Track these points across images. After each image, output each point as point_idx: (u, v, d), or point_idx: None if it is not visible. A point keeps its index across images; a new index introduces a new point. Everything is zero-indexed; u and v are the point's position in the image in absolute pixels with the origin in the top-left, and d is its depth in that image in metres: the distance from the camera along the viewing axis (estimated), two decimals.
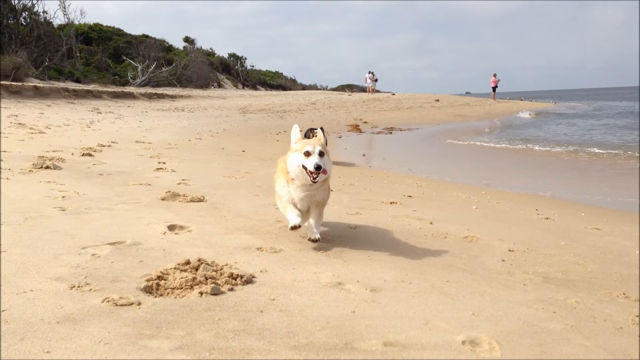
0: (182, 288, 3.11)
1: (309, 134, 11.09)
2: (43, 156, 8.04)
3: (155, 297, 3.00)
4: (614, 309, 3.33)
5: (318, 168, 3.93)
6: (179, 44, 59.74)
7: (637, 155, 13.31)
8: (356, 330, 2.73)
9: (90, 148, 9.91)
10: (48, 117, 17.53)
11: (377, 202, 6.66)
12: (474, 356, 2.56)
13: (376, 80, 53.46)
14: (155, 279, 3.17)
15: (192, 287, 3.13)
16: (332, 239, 4.54)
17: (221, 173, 8.27)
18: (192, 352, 2.39)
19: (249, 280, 3.33)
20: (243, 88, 59.02)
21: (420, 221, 5.55)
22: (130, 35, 51.17)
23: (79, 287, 3.02)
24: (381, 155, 13.87)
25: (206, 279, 3.23)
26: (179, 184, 6.92)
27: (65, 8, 43.04)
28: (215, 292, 3.07)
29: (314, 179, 3.98)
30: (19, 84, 25.08)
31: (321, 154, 4.03)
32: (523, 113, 35.50)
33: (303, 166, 4.01)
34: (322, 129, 11.02)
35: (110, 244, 3.90)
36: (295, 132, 4.33)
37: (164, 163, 8.87)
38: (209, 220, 4.93)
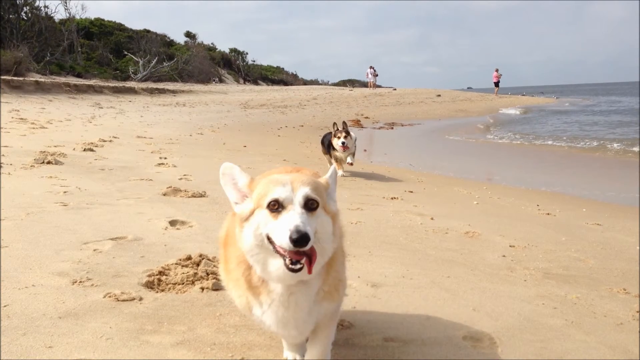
0: (183, 283, 3.12)
1: (327, 137, 8.98)
2: (44, 151, 8.04)
3: (157, 292, 3.01)
4: (615, 304, 3.33)
5: (303, 239, 1.82)
6: (180, 39, 59.60)
7: (637, 150, 13.28)
8: (357, 325, 2.74)
9: (92, 143, 9.91)
10: (49, 112, 17.53)
11: (379, 197, 6.66)
12: (475, 352, 2.56)
13: (377, 75, 53.34)
14: (157, 275, 3.18)
15: (193, 283, 3.14)
16: None
17: None
18: (194, 347, 2.40)
19: None
20: (244, 83, 58.91)
21: (421, 217, 5.55)
22: (131, 30, 51.02)
23: (80, 282, 3.03)
24: (383, 150, 13.86)
25: (207, 274, 3.24)
26: (180, 179, 6.93)
27: (66, 3, 42.99)
28: (217, 288, 3.08)
29: (293, 264, 1.89)
30: (20, 78, 25.07)
31: (309, 204, 1.96)
32: (512, 109, 34.92)
33: (269, 239, 1.95)
34: (344, 124, 8.58)
35: (111, 239, 3.91)
36: (234, 177, 2.14)
37: (165, 158, 8.87)
38: (210, 215, 4.93)
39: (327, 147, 8.97)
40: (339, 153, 8.59)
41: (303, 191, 1.95)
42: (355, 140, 8.86)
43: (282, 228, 1.86)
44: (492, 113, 31.36)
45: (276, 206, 1.92)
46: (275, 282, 2.03)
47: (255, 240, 1.97)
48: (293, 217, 1.86)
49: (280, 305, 2.06)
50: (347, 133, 8.50)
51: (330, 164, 9.11)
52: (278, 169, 2.41)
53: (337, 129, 8.61)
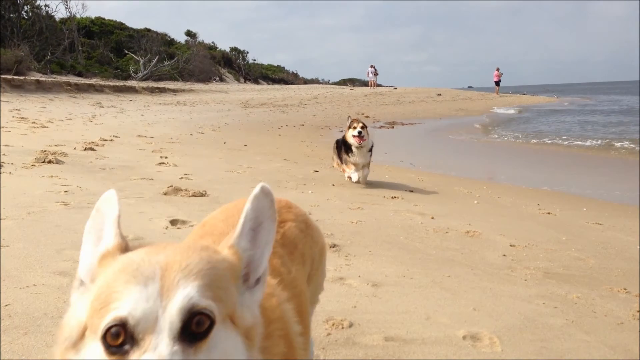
0: None
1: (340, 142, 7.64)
2: (45, 150, 8.05)
3: None
4: (615, 304, 3.33)
5: None
6: (181, 38, 59.58)
7: (637, 149, 13.27)
8: (357, 325, 2.75)
9: (93, 142, 9.92)
10: (50, 111, 17.53)
11: (379, 196, 6.67)
12: (475, 351, 2.57)
13: (377, 74, 53.32)
14: None
15: None
16: (333, 233, 4.55)
17: (223, 167, 8.27)
18: None
19: None
20: (245, 82, 58.89)
21: (421, 216, 5.55)
22: (132, 29, 51.02)
23: None
24: (383, 149, 13.86)
25: None
26: (181, 178, 6.93)
27: (67, 2, 43.05)
28: None
29: None
30: (21, 77, 25.07)
31: (193, 326, 0.89)
32: (509, 109, 34.66)
33: None
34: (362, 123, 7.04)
35: None
36: (103, 224, 1.19)
37: (166, 157, 8.88)
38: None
39: (340, 146, 7.76)
40: (352, 157, 7.44)
41: (182, 297, 0.91)
42: (371, 150, 7.70)
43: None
44: (490, 113, 31.35)
45: (120, 339, 0.88)
46: None
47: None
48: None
49: None
50: (364, 126, 7.46)
51: (337, 166, 8.13)
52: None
53: (352, 120, 7.56)
